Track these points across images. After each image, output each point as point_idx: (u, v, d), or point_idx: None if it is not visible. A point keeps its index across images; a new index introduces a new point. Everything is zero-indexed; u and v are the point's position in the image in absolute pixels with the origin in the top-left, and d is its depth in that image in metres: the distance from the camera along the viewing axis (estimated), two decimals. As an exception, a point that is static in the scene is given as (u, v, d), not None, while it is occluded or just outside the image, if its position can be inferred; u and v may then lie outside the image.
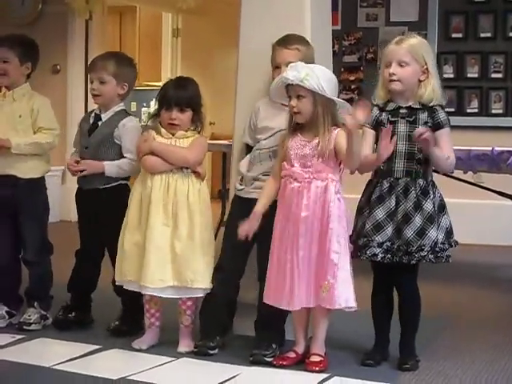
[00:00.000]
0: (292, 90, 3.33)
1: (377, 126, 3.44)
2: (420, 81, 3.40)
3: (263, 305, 3.43)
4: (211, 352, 3.52)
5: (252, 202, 3.47)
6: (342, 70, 7.15)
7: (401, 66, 3.38)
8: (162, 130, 3.60)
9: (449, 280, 5.22)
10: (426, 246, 3.33)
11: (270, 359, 3.43)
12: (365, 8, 7.19)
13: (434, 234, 3.34)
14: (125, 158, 3.78)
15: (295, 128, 3.39)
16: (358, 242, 3.40)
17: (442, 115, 3.40)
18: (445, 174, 4.55)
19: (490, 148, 4.93)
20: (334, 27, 4.74)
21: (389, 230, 3.36)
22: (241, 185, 3.65)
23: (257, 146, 3.62)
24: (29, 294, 3.98)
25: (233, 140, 3.90)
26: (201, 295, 3.60)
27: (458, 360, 3.57)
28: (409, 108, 3.41)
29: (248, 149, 3.71)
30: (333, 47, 4.25)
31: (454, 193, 4.55)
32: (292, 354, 3.45)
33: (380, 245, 3.35)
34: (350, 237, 3.39)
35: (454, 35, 6.94)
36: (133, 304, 3.77)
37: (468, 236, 4.80)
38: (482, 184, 5.60)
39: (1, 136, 3.83)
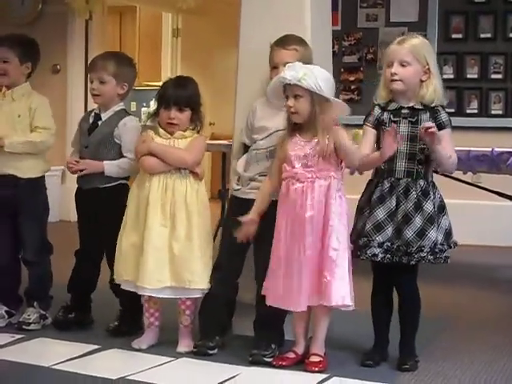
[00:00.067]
0: (289, 89, 3.32)
1: (378, 125, 3.44)
2: (422, 81, 3.40)
3: (262, 305, 3.42)
4: (211, 352, 3.52)
5: (249, 202, 3.47)
6: (342, 70, 7.13)
7: (402, 65, 3.38)
8: (161, 131, 3.60)
9: (448, 281, 5.21)
10: (426, 247, 3.33)
11: (269, 359, 3.43)
12: (365, 8, 7.17)
13: (434, 234, 3.34)
14: (125, 157, 3.79)
15: (293, 129, 3.39)
16: (359, 241, 3.40)
17: (443, 116, 3.40)
18: (445, 175, 4.54)
19: (490, 149, 4.93)
20: (334, 27, 4.74)
21: (389, 230, 3.36)
22: (237, 185, 3.64)
23: (254, 146, 3.61)
24: (28, 294, 3.97)
25: (232, 140, 3.90)
26: (199, 296, 3.60)
27: (457, 361, 3.57)
28: (411, 108, 3.41)
29: (245, 148, 3.70)
30: (333, 47, 4.25)
31: (453, 193, 4.54)
32: (291, 355, 3.44)
33: (380, 245, 3.35)
34: (350, 236, 3.39)
35: (453, 36, 6.93)
36: (132, 304, 3.77)
37: (468, 237, 4.80)
38: (480, 184, 5.59)
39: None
